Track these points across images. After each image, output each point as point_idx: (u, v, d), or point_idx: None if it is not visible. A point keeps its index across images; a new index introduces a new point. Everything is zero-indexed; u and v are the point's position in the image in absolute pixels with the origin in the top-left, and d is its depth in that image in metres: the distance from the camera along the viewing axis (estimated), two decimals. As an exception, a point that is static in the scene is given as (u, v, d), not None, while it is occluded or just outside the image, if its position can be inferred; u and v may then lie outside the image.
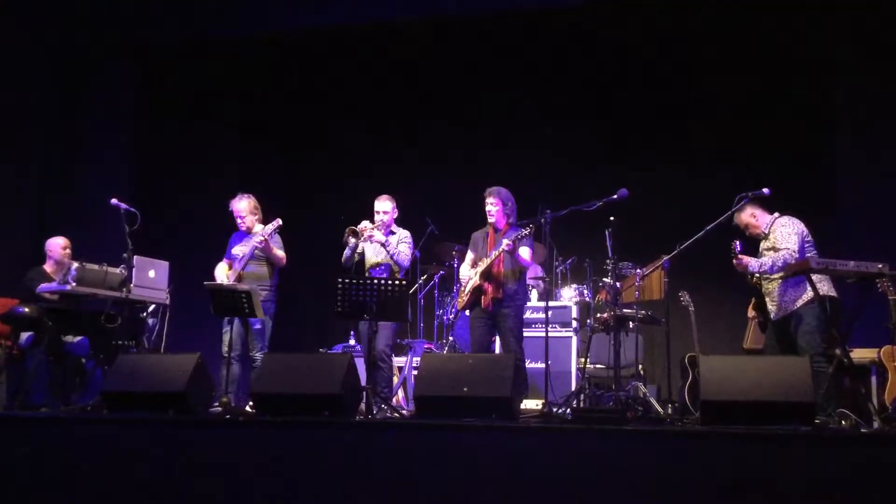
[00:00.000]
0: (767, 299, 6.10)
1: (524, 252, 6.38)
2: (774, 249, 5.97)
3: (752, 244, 6.28)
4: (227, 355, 6.64)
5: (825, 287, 5.86)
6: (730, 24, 8.51)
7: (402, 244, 6.81)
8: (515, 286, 6.45)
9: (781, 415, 4.58)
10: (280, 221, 6.72)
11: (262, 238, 6.69)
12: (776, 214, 6.18)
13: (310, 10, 9.22)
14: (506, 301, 6.39)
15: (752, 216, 6.17)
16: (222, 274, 6.91)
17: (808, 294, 5.85)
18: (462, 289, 6.64)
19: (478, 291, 6.45)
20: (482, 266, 6.41)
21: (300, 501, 4.59)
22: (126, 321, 6.86)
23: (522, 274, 6.52)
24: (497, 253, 6.32)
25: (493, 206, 6.52)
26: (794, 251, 5.86)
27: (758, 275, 6.08)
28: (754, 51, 8.56)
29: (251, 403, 6.44)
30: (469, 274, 6.59)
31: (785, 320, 5.99)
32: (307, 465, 4.67)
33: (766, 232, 6.13)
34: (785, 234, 5.99)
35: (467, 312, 6.70)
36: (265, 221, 6.90)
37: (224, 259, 7.04)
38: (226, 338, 6.70)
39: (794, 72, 8.47)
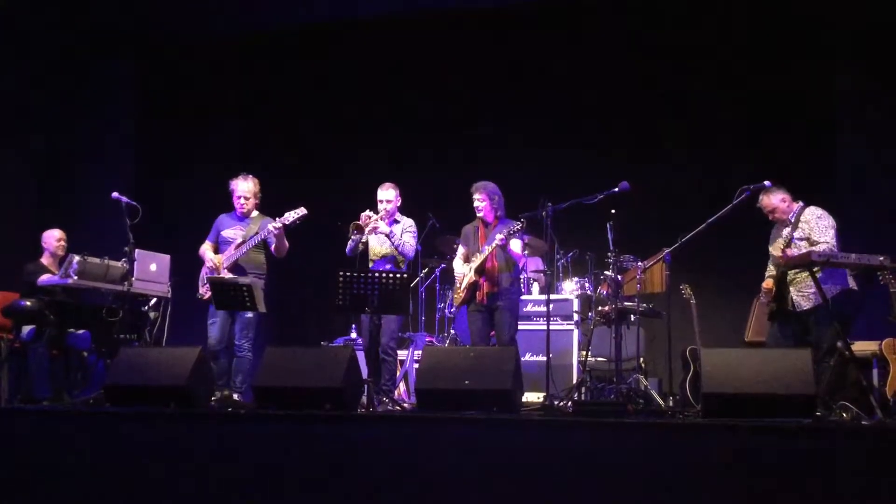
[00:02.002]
0: (793, 289, 6.03)
1: (515, 245, 6.41)
2: (809, 241, 5.93)
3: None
4: (216, 348, 6.58)
5: (851, 280, 5.88)
6: (729, 17, 8.50)
7: (406, 234, 6.73)
8: (510, 279, 6.48)
9: (783, 407, 4.58)
10: (305, 211, 6.59)
11: (282, 226, 6.58)
12: (801, 203, 6.16)
13: (310, 4, 9.21)
14: (501, 295, 6.42)
15: (782, 201, 6.13)
16: (213, 255, 6.80)
17: (837, 287, 5.84)
18: (457, 285, 6.65)
19: (473, 287, 6.48)
20: (476, 262, 6.43)
21: (302, 494, 4.60)
22: (127, 315, 6.85)
23: (516, 267, 6.54)
24: (490, 248, 6.33)
25: (480, 202, 6.54)
26: (833, 245, 5.83)
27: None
28: (754, 43, 8.54)
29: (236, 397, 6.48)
30: (463, 270, 6.59)
31: (810, 312, 5.95)
32: (309, 458, 4.68)
33: (792, 220, 6.10)
34: (823, 227, 5.94)
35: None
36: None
37: (208, 241, 6.92)
38: (213, 330, 6.64)
39: (794, 63, 8.45)
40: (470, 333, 6.61)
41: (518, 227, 6.25)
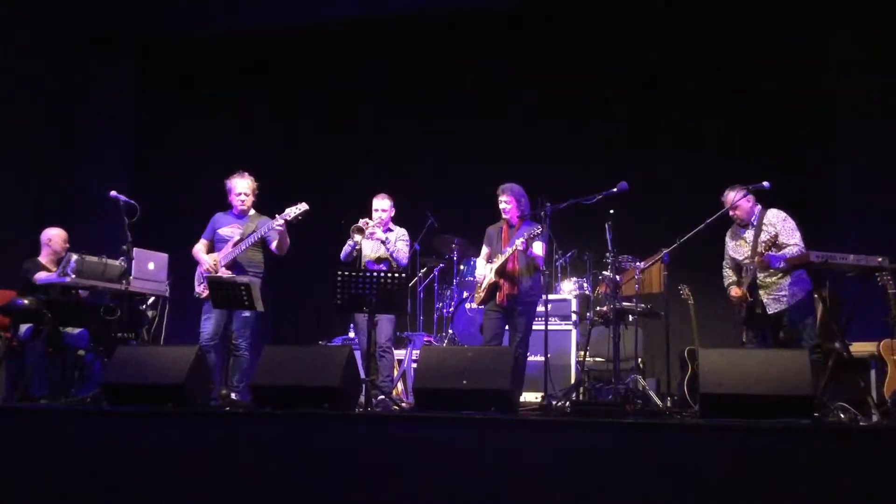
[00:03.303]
0: (763, 293, 6.08)
1: (537, 248, 6.37)
2: (777, 244, 5.96)
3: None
4: (208, 344, 6.53)
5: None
6: (729, 18, 8.50)
7: (399, 241, 6.86)
8: (530, 282, 6.47)
9: (780, 408, 4.58)
10: (306, 206, 6.59)
11: (283, 222, 6.57)
12: (760, 206, 6.20)
13: (310, 3, 9.20)
14: (521, 297, 6.41)
15: (747, 200, 6.17)
16: (206, 256, 6.79)
17: (807, 288, 5.89)
18: (478, 285, 6.64)
19: (493, 287, 6.46)
20: (497, 263, 6.41)
21: (299, 493, 4.60)
22: (125, 313, 6.84)
23: (537, 269, 6.50)
24: (510, 251, 6.32)
25: (507, 204, 6.54)
26: (802, 247, 5.90)
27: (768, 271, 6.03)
28: (753, 42, 8.54)
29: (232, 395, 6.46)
30: (484, 271, 6.58)
31: (782, 314, 6.00)
32: (306, 457, 4.67)
33: (755, 223, 6.14)
34: (790, 230, 6.01)
35: (476, 305, 6.73)
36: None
37: (203, 238, 6.91)
38: (207, 326, 6.62)
39: (792, 62, 8.46)
40: (483, 331, 6.59)
41: (538, 231, 6.23)
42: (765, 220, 6.10)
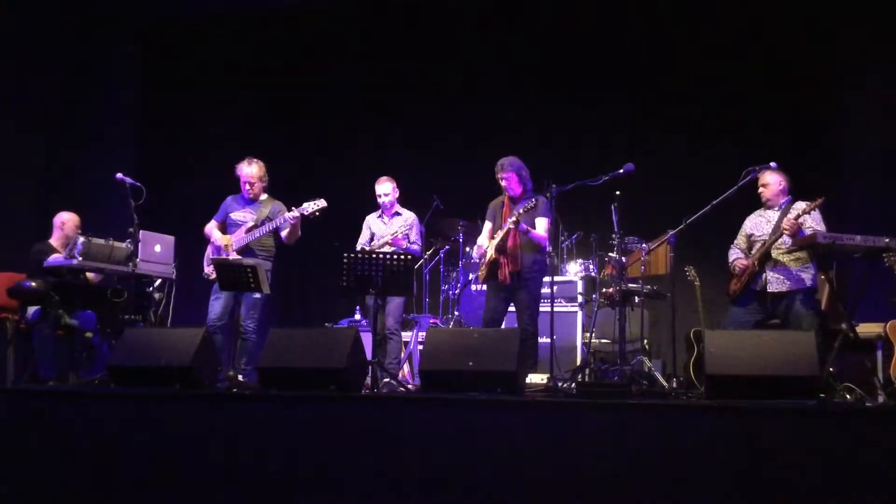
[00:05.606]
0: (770, 266, 6.04)
1: (540, 226, 6.33)
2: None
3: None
4: (214, 325, 6.54)
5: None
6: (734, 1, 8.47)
7: (412, 231, 6.89)
8: (532, 257, 6.37)
9: (786, 389, 4.58)
10: (325, 203, 6.56)
11: (299, 216, 6.54)
12: (790, 197, 6.17)
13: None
14: (524, 273, 6.32)
15: (779, 184, 6.14)
16: (220, 235, 6.80)
17: (813, 284, 5.91)
18: (480, 260, 6.57)
19: (494, 265, 6.37)
20: (496, 240, 6.37)
21: (306, 475, 4.62)
22: (132, 295, 6.86)
23: (541, 245, 6.42)
24: (505, 231, 6.28)
25: (506, 181, 6.43)
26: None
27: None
28: (757, 21, 8.49)
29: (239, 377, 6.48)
30: (485, 246, 6.50)
31: (782, 297, 5.97)
32: (312, 438, 4.69)
33: (782, 206, 6.11)
34: (817, 218, 5.96)
35: (482, 287, 6.69)
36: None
37: (214, 220, 6.92)
38: (216, 306, 6.61)
39: (797, 41, 8.41)
40: (484, 309, 6.53)
41: (531, 204, 6.16)
42: (793, 206, 6.08)
